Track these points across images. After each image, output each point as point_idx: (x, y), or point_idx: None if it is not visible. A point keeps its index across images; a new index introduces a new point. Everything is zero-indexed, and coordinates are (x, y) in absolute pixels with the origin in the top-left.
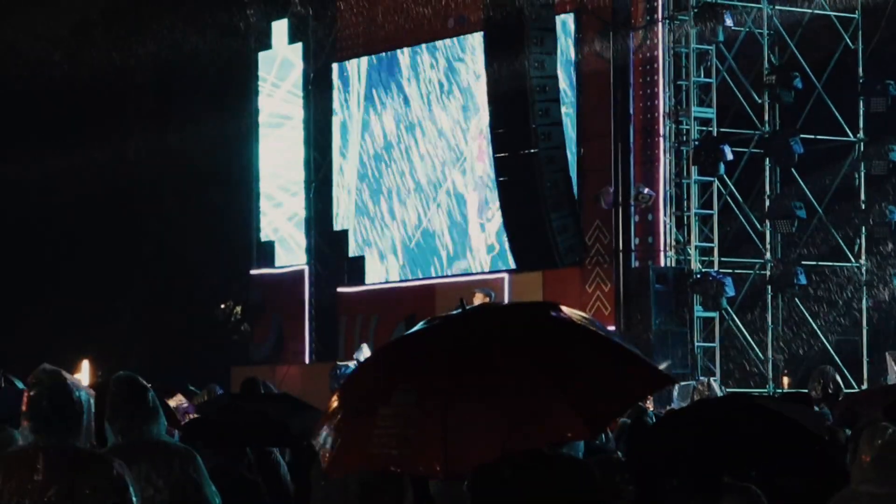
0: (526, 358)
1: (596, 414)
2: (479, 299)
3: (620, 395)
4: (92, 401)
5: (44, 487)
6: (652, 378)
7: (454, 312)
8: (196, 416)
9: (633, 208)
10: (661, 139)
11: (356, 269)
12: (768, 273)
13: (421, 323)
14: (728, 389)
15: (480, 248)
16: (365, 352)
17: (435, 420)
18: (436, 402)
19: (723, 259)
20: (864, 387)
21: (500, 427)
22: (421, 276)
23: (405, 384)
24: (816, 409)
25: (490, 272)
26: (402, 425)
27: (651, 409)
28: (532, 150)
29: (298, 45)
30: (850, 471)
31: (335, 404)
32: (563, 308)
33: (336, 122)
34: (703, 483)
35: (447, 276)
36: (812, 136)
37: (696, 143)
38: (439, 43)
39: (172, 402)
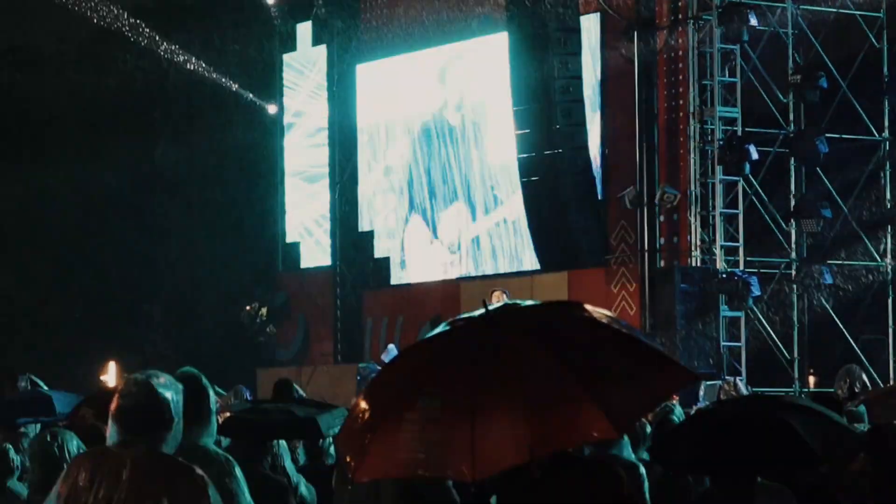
0: (551, 358)
1: (623, 413)
2: (496, 298)
3: (647, 394)
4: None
5: (130, 497)
6: (678, 376)
7: (477, 313)
8: (228, 414)
9: (658, 208)
10: (687, 139)
11: (381, 270)
12: (794, 272)
13: (443, 324)
14: (754, 388)
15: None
16: (392, 353)
17: (462, 423)
18: (462, 406)
19: (748, 258)
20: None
21: (528, 429)
22: (446, 277)
23: (430, 388)
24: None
25: (515, 273)
26: (429, 429)
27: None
28: (556, 151)
29: (322, 47)
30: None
31: (360, 408)
32: (588, 306)
33: (361, 122)
34: (737, 483)
35: (472, 277)
36: (837, 136)
37: (721, 142)
38: (464, 44)
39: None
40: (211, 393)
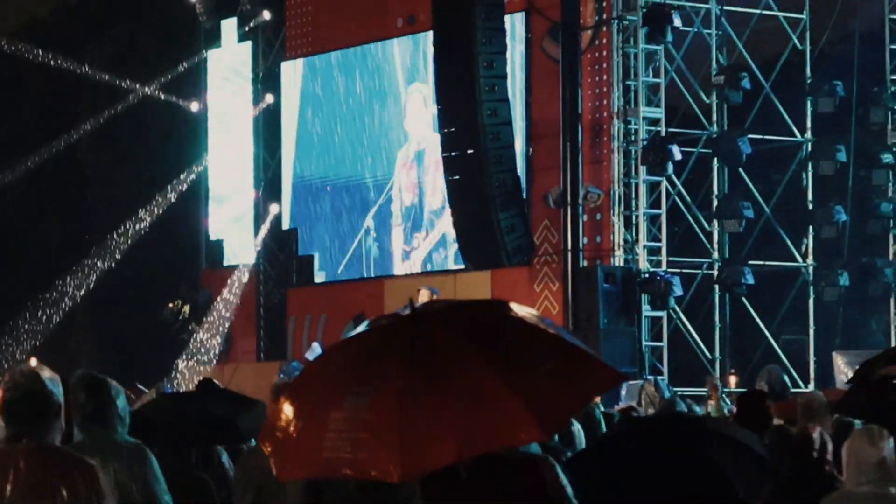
0: (479, 358)
1: (551, 414)
2: (424, 296)
3: (575, 394)
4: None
5: (27, 492)
6: (605, 376)
7: (402, 311)
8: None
9: (581, 208)
10: (610, 139)
11: (305, 267)
12: (716, 273)
13: (364, 323)
14: (675, 388)
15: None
16: (316, 351)
17: (389, 423)
18: (389, 405)
19: (671, 259)
20: (811, 386)
21: (456, 430)
22: (369, 275)
23: (357, 387)
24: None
25: (439, 272)
26: (356, 429)
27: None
28: (481, 150)
29: (248, 44)
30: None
31: (284, 406)
32: (513, 305)
33: (285, 121)
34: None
35: (396, 275)
36: (760, 137)
37: (645, 142)
38: (390, 42)
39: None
40: (114, 392)
